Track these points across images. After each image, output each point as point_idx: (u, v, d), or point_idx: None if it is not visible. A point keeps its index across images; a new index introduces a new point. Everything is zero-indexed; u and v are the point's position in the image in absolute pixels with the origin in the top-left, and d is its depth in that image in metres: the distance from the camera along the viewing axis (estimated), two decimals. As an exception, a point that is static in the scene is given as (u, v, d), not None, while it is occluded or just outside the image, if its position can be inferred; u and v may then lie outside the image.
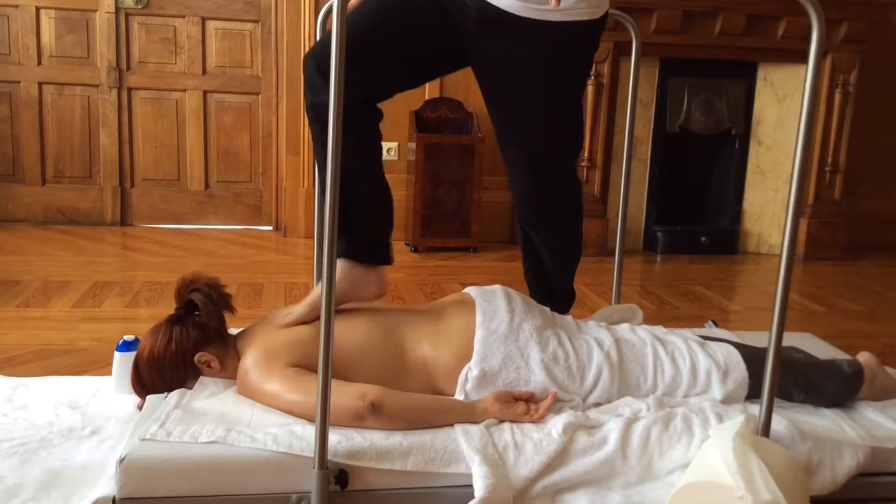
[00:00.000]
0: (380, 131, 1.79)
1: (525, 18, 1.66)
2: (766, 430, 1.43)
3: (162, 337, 1.65)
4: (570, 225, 2.01)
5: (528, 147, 1.84)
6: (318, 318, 1.64)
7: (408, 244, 3.80)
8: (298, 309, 1.68)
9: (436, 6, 1.72)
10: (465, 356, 1.61)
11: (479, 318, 1.65)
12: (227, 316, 1.73)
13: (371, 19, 1.70)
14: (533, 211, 1.95)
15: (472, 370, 1.59)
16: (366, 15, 1.71)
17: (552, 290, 2.03)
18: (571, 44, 1.72)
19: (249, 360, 1.58)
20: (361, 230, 1.73)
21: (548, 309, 1.79)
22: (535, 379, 1.60)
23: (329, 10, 1.91)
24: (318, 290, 1.68)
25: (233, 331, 1.76)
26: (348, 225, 1.66)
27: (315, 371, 1.51)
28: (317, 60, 1.68)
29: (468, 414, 1.53)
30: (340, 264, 1.70)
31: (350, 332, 1.61)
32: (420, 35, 1.74)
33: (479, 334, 1.62)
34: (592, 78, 3.70)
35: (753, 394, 1.65)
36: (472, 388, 1.59)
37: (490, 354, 1.60)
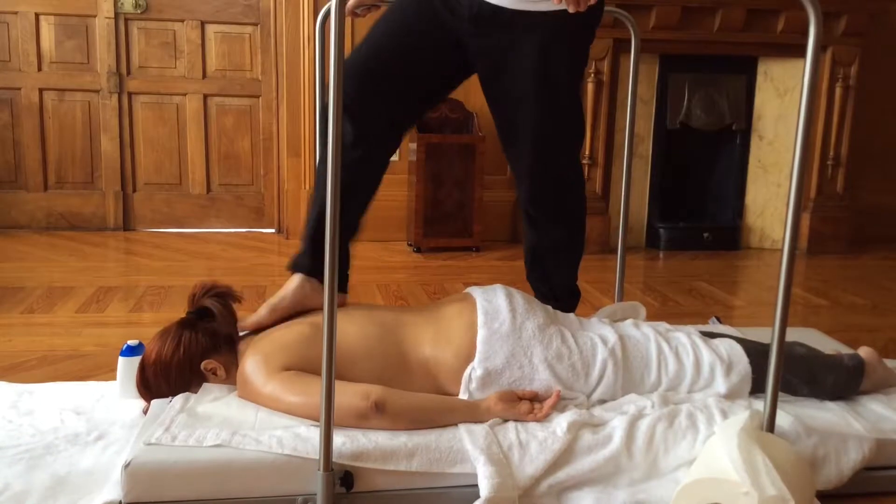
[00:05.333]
0: (387, 164, 1.88)
1: (518, 11, 1.67)
2: (770, 425, 1.43)
3: (171, 341, 1.65)
4: (575, 220, 2.01)
5: (532, 141, 1.84)
6: (277, 322, 1.73)
7: (410, 244, 3.81)
8: (259, 312, 1.75)
9: (433, 17, 1.74)
10: (468, 356, 1.61)
11: (480, 318, 1.65)
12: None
13: (378, 54, 1.76)
14: (540, 209, 1.96)
15: (475, 370, 1.60)
16: (372, 50, 1.76)
17: (556, 289, 2.03)
18: (566, 34, 1.73)
19: (247, 365, 1.59)
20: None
21: (550, 307, 1.79)
22: (539, 377, 1.60)
23: (328, 13, 1.91)
24: (279, 294, 1.78)
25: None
26: (317, 247, 1.73)
27: (310, 371, 1.53)
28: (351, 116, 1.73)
29: (472, 413, 1.53)
30: (298, 278, 1.80)
31: (350, 334, 1.61)
32: (427, 55, 1.78)
33: (481, 334, 1.62)
34: (592, 76, 3.70)
35: (757, 388, 1.65)
36: (476, 388, 1.59)
37: (493, 354, 1.60)
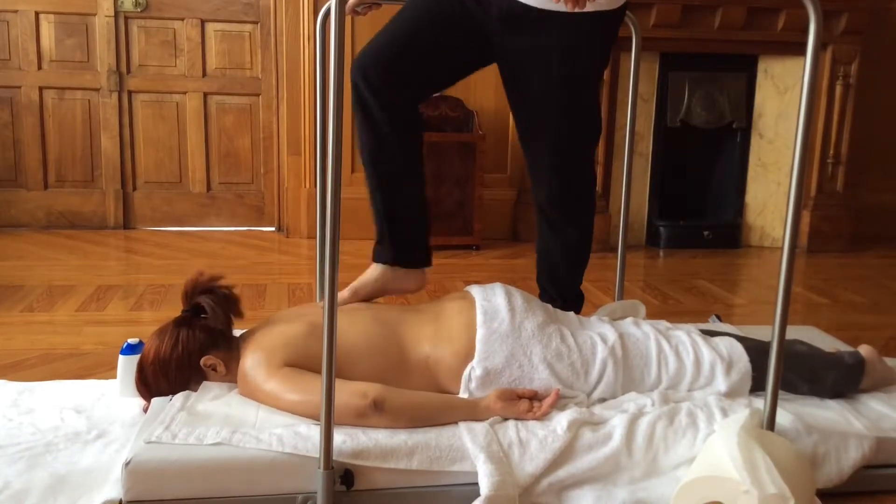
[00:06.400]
0: (423, 136, 1.94)
1: (546, 11, 1.69)
2: (770, 423, 1.43)
3: (168, 339, 1.65)
4: (588, 220, 2.03)
5: (553, 140, 1.86)
6: (359, 301, 1.80)
7: (410, 243, 3.80)
8: (342, 295, 1.79)
9: (460, 9, 1.76)
10: (467, 355, 1.62)
11: (479, 318, 1.65)
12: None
13: (405, 31, 1.78)
14: (558, 209, 1.98)
15: (475, 369, 1.60)
16: (400, 27, 1.79)
17: (564, 291, 2.05)
18: (591, 34, 1.75)
19: (247, 363, 1.59)
20: (405, 235, 1.87)
21: (549, 306, 1.79)
22: (539, 376, 1.60)
23: (328, 11, 1.91)
24: (362, 279, 1.83)
25: (237, 332, 1.76)
26: (392, 230, 1.84)
27: (311, 369, 1.53)
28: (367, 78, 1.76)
29: (471, 412, 1.53)
30: (380, 267, 1.84)
31: (350, 331, 1.62)
32: (450, 39, 1.80)
33: (480, 333, 1.62)
34: (592, 74, 3.69)
35: (758, 386, 1.65)
36: (475, 387, 1.59)
37: (492, 353, 1.61)
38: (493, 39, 1.78)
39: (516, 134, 1.97)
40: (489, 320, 1.64)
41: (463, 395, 1.60)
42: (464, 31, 1.79)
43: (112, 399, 1.84)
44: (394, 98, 1.78)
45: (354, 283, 1.84)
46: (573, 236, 2.01)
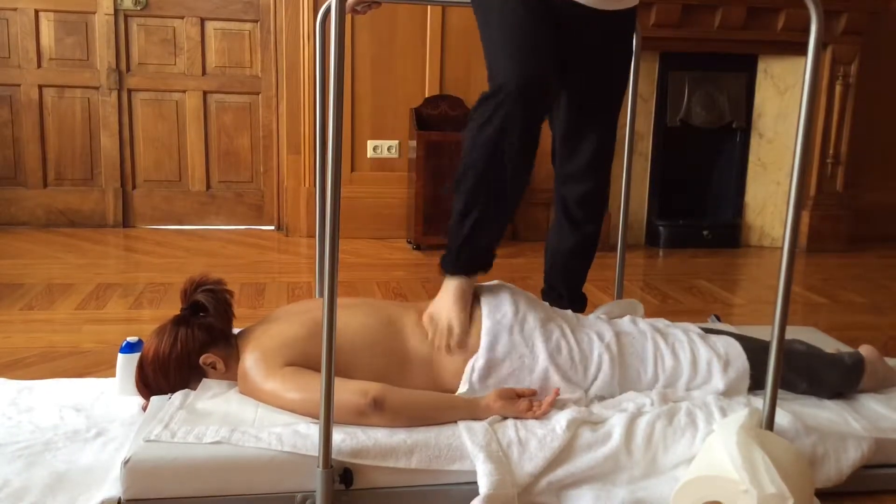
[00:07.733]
0: None
1: (616, 11, 1.81)
2: (769, 423, 1.43)
3: (167, 338, 1.65)
4: (603, 215, 2.10)
5: (601, 139, 1.94)
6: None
7: (409, 242, 3.80)
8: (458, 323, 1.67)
9: (550, 17, 1.77)
10: (471, 350, 1.62)
11: (484, 310, 1.66)
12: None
13: (539, 43, 1.75)
14: (587, 207, 2.02)
15: (478, 360, 1.61)
16: (534, 40, 1.74)
17: (572, 290, 2.08)
18: (634, 26, 1.95)
19: (248, 361, 1.59)
20: (492, 247, 1.80)
21: (548, 304, 1.80)
22: (540, 367, 1.61)
23: (328, 10, 1.91)
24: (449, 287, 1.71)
25: (235, 331, 1.76)
26: (489, 242, 1.76)
27: (313, 368, 1.52)
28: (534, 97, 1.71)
29: (471, 411, 1.53)
30: (462, 281, 1.70)
31: (351, 328, 1.62)
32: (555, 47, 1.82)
33: (485, 325, 1.64)
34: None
35: (757, 385, 1.65)
36: (477, 378, 1.60)
37: (496, 343, 1.62)
38: (570, 42, 1.81)
39: (558, 142, 1.98)
40: (493, 312, 1.66)
41: (464, 386, 1.61)
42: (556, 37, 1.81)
43: (111, 397, 1.84)
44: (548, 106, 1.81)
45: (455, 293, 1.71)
46: (590, 230, 2.06)
